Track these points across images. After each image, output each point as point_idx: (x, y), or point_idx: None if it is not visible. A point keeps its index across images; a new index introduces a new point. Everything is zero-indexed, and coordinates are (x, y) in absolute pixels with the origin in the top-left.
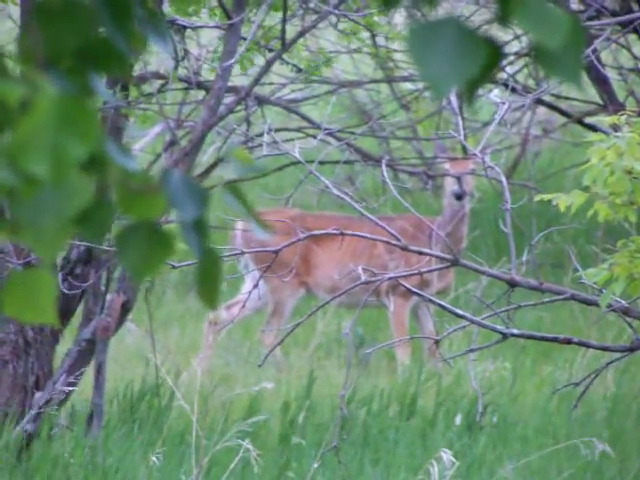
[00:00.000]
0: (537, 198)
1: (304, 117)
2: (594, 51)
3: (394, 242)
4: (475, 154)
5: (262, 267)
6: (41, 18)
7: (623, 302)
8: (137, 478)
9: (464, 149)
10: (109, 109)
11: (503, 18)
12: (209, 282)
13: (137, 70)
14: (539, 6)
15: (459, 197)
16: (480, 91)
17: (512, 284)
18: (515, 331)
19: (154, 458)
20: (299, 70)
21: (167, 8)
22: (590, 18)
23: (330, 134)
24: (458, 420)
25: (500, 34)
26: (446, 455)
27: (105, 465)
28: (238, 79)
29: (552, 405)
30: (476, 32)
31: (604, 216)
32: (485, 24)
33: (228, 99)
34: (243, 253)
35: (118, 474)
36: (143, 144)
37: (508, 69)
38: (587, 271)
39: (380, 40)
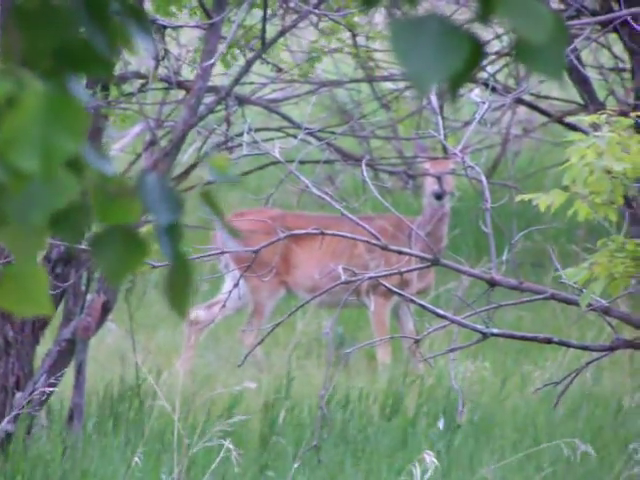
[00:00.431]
0: (518, 198)
1: (284, 117)
2: (574, 50)
3: (374, 242)
4: (455, 153)
5: (242, 267)
6: (19, 19)
7: (603, 302)
8: (117, 478)
9: (444, 148)
10: (88, 109)
11: (484, 15)
12: (179, 288)
13: (117, 70)
14: (522, 1)
15: (439, 197)
16: (461, 91)
17: (492, 283)
18: (495, 330)
19: (136, 458)
20: (279, 70)
21: (148, 7)
22: (570, 17)
23: (310, 134)
24: (441, 424)
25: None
26: (429, 457)
27: (84, 465)
28: (218, 79)
29: (533, 404)
30: (458, 28)
31: (584, 215)
32: (466, 23)
33: (208, 99)
34: (223, 253)
35: (97, 474)
36: (123, 144)
37: (488, 68)
38: (567, 270)
39: (361, 40)
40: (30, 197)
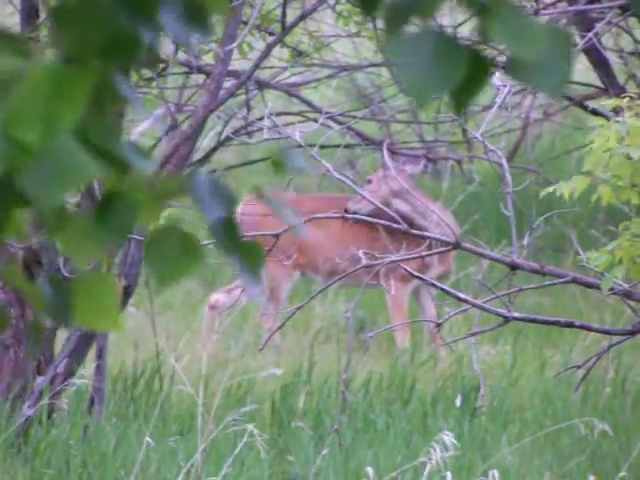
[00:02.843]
0: (542, 193)
1: (305, 101)
2: (595, 34)
3: (395, 225)
4: (476, 137)
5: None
6: (59, 19)
7: (625, 285)
8: (136, 462)
9: (465, 132)
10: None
11: (483, 33)
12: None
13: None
14: (516, 19)
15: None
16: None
17: (513, 267)
18: (517, 314)
19: (150, 439)
20: (299, 54)
21: None
22: (591, 1)
23: (331, 118)
24: (459, 402)
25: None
26: (447, 437)
27: (104, 449)
28: (238, 63)
29: (553, 388)
30: (457, 41)
31: (607, 199)
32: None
33: (228, 83)
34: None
35: (117, 457)
36: (143, 128)
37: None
38: (588, 254)
39: (380, 23)
40: (46, 176)
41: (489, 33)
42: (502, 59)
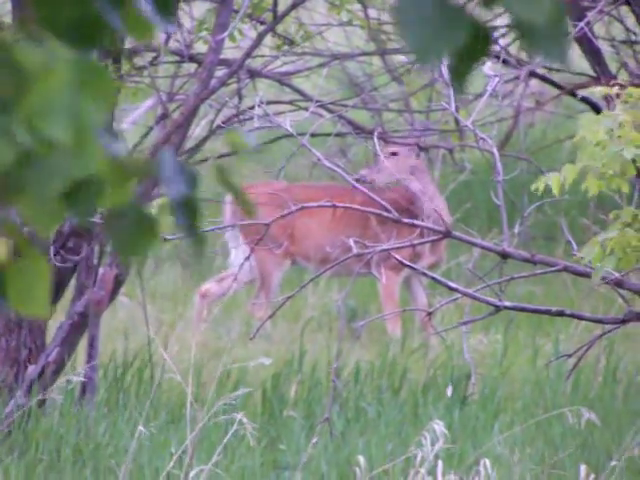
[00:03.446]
0: (533, 187)
1: (296, 89)
2: (587, 23)
3: (386, 214)
4: (467, 126)
5: (251, 240)
6: None
7: (616, 274)
8: (128, 450)
9: (456, 121)
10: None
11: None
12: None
13: (129, 43)
14: None
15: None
16: (467, 83)
17: (504, 256)
18: (508, 303)
19: (142, 428)
20: (291, 43)
21: None
22: None
23: (322, 106)
24: (449, 392)
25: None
26: (438, 427)
27: (96, 437)
28: (230, 52)
29: (544, 377)
30: (461, 9)
31: (596, 190)
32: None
33: (220, 72)
34: (234, 226)
35: (109, 446)
36: (135, 117)
37: (500, 41)
38: (580, 247)
39: (372, 12)
40: (50, 166)
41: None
42: (495, 48)
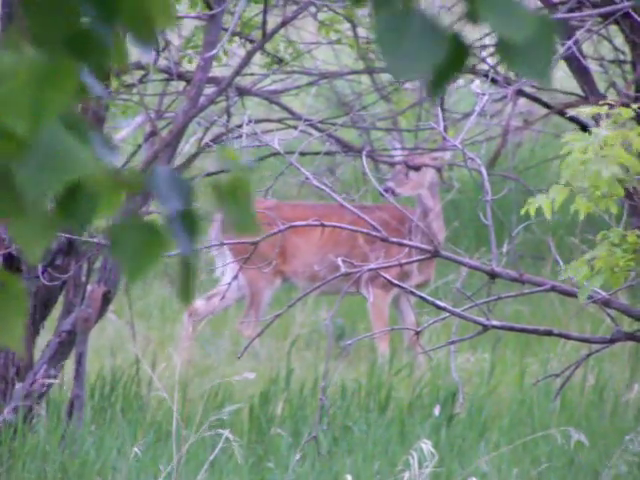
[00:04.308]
0: (523, 210)
1: (285, 108)
2: (575, 42)
3: (374, 233)
4: (455, 145)
5: (240, 258)
6: (28, 8)
7: (604, 293)
8: (115, 468)
9: (444, 140)
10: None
11: (471, 15)
12: (188, 277)
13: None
14: (503, 2)
15: (386, 192)
16: (461, 82)
17: (492, 275)
18: (496, 322)
19: (135, 449)
20: (280, 61)
21: None
22: (572, 10)
23: (311, 125)
24: (437, 411)
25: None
26: (426, 446)
27: (83, 454)
28: (219, 70)
29: (531, 397)
30: (441, 26)
31: (585, 211)
32: (453, 23)
33: (209, 90)
34: (223, 244)
35: (96, 464)
36: (124, 135)
37: (489, 60)
38: (568, 266)
39: (361, 31)
40: (42, 168)
41: (477, 15)
42: (483, 66)
